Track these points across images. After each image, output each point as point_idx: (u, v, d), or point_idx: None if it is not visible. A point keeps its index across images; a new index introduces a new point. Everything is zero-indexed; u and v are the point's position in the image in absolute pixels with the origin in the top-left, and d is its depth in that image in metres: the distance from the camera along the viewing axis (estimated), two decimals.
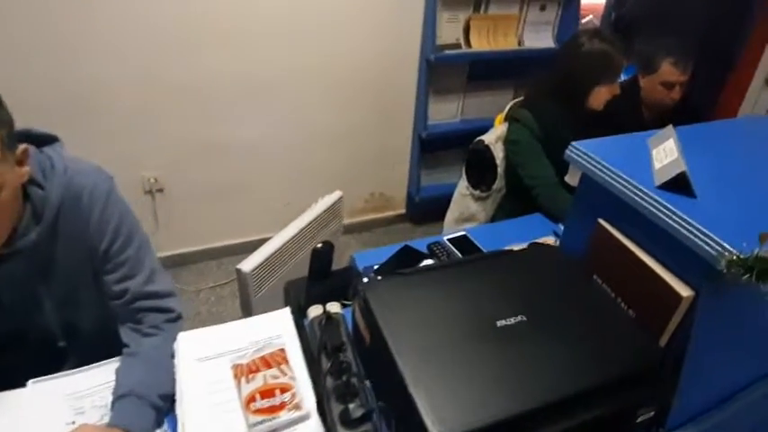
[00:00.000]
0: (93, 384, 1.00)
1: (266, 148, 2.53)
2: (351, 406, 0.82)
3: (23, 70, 1.96)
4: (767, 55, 2.51)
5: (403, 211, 3.15)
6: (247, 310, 1.82)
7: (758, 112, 2.60)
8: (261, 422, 0.84)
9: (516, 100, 1.95)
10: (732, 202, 0.88)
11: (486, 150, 1.85)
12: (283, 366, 0.92)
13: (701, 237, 0.77)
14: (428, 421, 0.70)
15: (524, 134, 1.75)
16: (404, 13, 2.46)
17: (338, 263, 1.49)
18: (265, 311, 1.08)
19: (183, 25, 2.10)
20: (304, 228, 1.94)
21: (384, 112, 2.72)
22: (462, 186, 1.99)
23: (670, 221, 0.82)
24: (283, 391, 0.88)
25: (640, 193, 0.88)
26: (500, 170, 1.85)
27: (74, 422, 0.92)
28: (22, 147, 0.89)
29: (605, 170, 0.95)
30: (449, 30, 2.56)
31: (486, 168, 1.87)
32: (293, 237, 1.89)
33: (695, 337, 0.84)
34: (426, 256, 1.40)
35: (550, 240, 1.42)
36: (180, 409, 0.90)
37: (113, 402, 0.93)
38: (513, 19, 2.69)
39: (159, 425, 0.93)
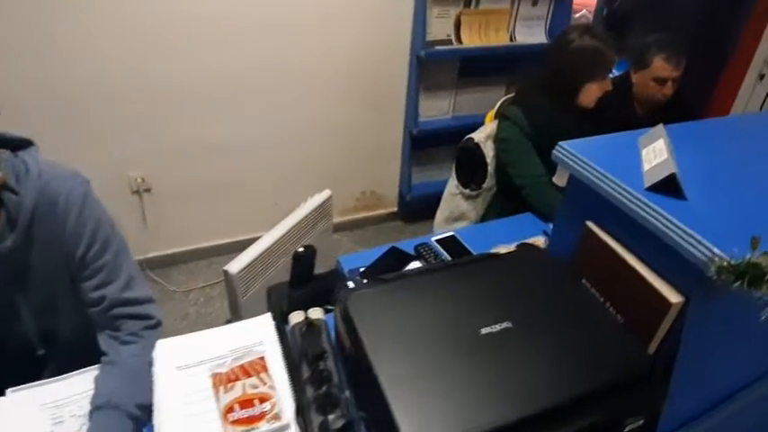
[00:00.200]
0: (71, 393, 0.99)
1: (255, 147, 2.50)
2: (330, 417, 0.79)
3: (8, 70, 1.92)
4: (760, 51, 2.50)
5: (394, 209, 3.12)
6: (236, 312, 1.80)
7: (751, 109, 2.58)
8: None
9: (507, 97, 1.92)
10: (723, 205, 0.85)
11: (475, 148, 1.82)
12: (263, 375, 0.90)
13: (691, 241, 0.75)
14: None
15: (514, 132, 1.72)
16: (393, 8, 2.42)
17: (330, 261, 1.47)
18: (254, 312, 1.06)
19: (168, 25, 2.07)
20: (292, 227, 1.92)
21: (374, 109, 2.69)
22: (452, 185, 1.96)
23: (659, 224, 0.80)
24: (262, 400, 0.86)
25: (629, 195, 0.86)
26: (490, 168, 1.82)
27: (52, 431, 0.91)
28: None
29: (593, 171, 0.92)
30: (439, 25, 2.53)
31: (476, 167, 1.84)
32: (281, 237, 1.87)
33: (685, 342, 0.81)
34: (414, 258, 1.37)
35: (540, 241, 1.40)
36: (157, 419, 0.87)
37: (91, 412, 0.92)
38: (505, 14, 2.65)
39: None
